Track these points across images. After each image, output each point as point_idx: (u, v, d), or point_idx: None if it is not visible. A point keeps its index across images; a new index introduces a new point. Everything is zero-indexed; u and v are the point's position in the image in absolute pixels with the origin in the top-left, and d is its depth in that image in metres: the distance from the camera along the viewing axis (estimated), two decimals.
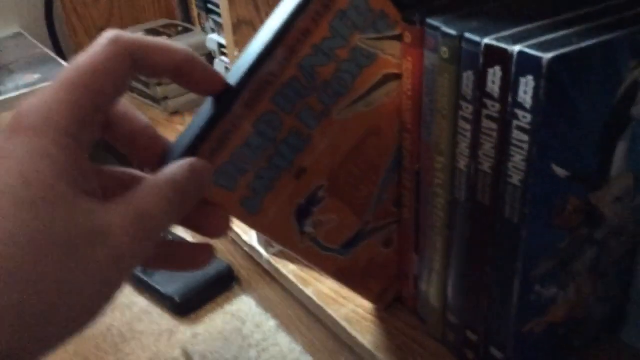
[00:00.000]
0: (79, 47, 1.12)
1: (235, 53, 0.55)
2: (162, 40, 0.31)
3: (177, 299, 0.75)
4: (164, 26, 1.12)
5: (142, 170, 0.35)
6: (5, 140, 0.26)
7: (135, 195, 0.29)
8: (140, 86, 1.07)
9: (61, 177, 0.26)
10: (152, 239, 0.29)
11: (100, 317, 0.28)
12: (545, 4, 0.42)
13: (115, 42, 0.29)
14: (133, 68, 0.30)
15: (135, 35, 0.30)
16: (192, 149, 0.34)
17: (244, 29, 0.55)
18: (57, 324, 0.26)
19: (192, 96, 1.05)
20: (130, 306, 0.78)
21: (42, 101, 0.27)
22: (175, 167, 0.31)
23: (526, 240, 0.40)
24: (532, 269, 0.42)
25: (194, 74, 0.32)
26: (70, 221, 0.26)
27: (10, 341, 0.24)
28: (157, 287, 0.77)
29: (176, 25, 1.11)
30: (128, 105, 0.33)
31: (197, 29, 1.09)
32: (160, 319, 0.76)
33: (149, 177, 0.30)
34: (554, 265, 0.43)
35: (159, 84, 1.02)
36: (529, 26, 0.38)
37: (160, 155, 0.34)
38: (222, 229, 0.36)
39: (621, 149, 0.41)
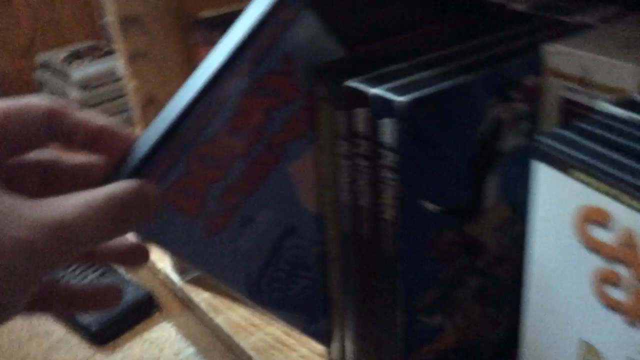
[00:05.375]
0: (1, 72, 1.10)
1: (132, 85, 0.55)
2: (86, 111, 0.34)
3: (93, 327, 0.75)
4: (88, 48, 1.11)
5: None
6: None
7: (58, 201, 0.29)
8: None
9: None
10: (68, 249, 0.28)
11: (12, 315, 0.28)
12: (410, 45, 0.43)
13: (35, 97, 0.32)
14: (49, 122, 0.32)
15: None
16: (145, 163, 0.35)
17: (141, 61, 0.55)
18: None
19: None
20: (47, 335, 0.77)
21: None
22: (120, 185, 0.31)
23: (404, 273, 0.41)
24: (414, 300, 0.43)
25: (111, 143, 0.34)
26: None
27: None
28: (74, 315, 0.76)
29: (100, 47, 1.11)
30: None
31: None
32: (77, 348, 0.75)
33: (86, 191, 0.30)
34: (437, 295, 0.44)
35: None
36: (392, 68, 0.39)
37: (122, 155, 0.35)
38: (144, 259, 0.38)
39: (492, 182, 0.42)
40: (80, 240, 0.29)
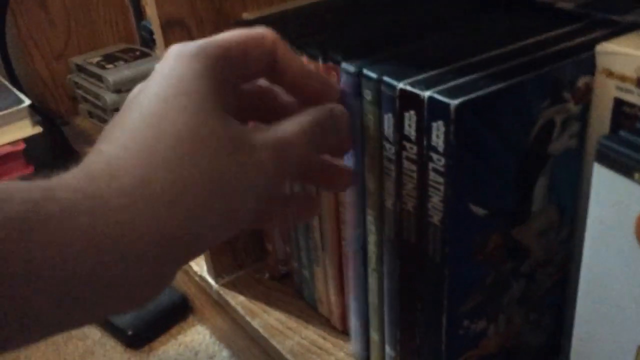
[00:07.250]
0: (34, 74, 1.11)
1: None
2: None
3: (129, 331, 0.75)
4: (122, 50, 1.12)
5: None
6: (170, 63, 0.32)
7: (277, 125, 0.35)
8: (99, 112, 1.07)
9: (214, 94, 0.32)
10: (289, 163, 0.34)
11: (249, 223, 0.33)
12: (460, 46, 0.42)
13: (262, 30, 0.36)
14: (271, 59, 0.36)
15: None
16: None
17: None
18: (214, 216, 0.30)
19: None
20: (83, 338, 0.78)
21: (196, 42, 0.33)
22: (317, 108, 0.37)
23: (449, 278, 0.41)
24: (459, 305, 0.42)
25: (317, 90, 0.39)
26: (221, 128, 0.31)
27: (181, 223, 0.29)
28: (110, 318, 0.77)
29: (134, 50, 1.12)
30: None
31: (156, 53, 1.09)
32: (112, 351, 0.76)
33: (295, 116, 0.36)
34: (481, 300, 0.43)
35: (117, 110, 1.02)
36: (443, 69, 0.39)
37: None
38: (346, 183, 0.44)
39: (541, 184, 0.41)
40: (296, 157, 0.34)
